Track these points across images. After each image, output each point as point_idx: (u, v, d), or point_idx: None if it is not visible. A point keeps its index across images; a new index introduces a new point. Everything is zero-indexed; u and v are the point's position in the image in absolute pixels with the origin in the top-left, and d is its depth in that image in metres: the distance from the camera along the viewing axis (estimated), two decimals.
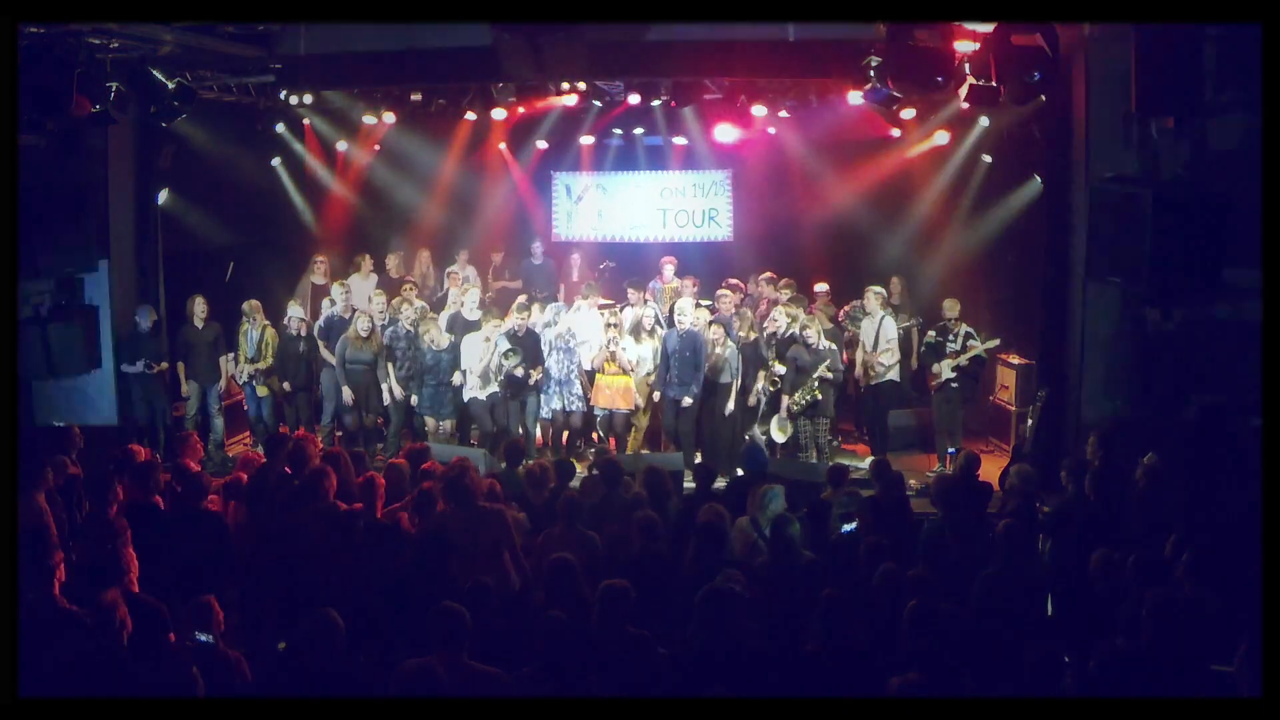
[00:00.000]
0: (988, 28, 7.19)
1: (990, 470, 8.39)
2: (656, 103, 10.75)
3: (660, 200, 13.95)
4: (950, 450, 10.24)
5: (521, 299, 11.26)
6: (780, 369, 10.20)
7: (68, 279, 9.71)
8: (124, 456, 7.68)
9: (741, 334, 10.50)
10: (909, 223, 12.84)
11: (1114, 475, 7.27)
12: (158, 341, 10.45)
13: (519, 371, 10.05)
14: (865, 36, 8.30)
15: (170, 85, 8.76)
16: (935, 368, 10.46)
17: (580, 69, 9.12)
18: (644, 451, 10.38)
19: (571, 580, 5.43)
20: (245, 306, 10.86)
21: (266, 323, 10.88)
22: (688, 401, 10.03)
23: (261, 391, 10.87)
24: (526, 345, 10.17)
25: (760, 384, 10.37)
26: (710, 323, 10.39)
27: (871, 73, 8.39)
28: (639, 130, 13.53)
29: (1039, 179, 10.14)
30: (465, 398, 10.23)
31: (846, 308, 11.60)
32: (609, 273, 13.11)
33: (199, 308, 10.72)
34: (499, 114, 11.29)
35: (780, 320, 10.45)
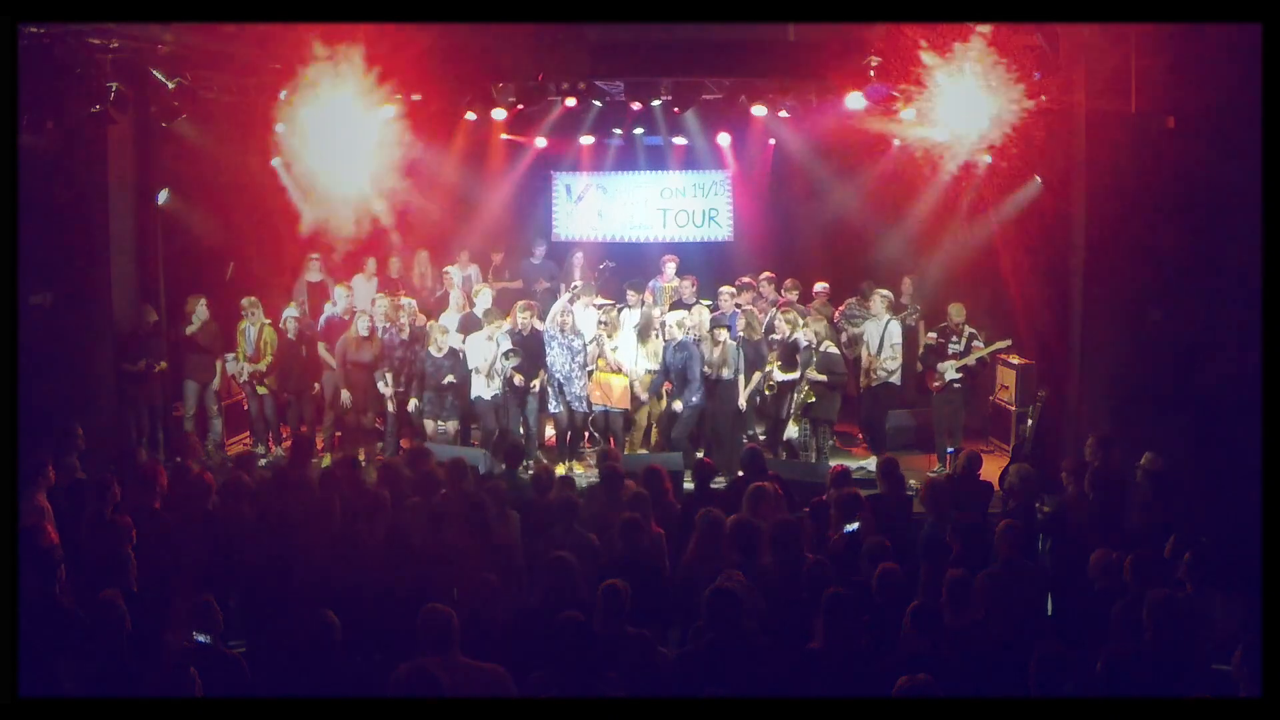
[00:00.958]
0: (987, 28, 7.21)
1: (990, 470, 8.39)
2: (657, 103, 10.76)
3: (660, 200, 13.95)
4: (949, 450, 10.25)
5: (523, 301, 11.27)
6: (779, 375, 10.20)
7: (68, 279, 9.72)
8: (123, 456, 7.69)
9: (742, 333, 10.50)
10: (909, 223, 12.82)
11: (1114, 475, 7.28)
12: (158, 341, 10.45)
13: (517, 379, 10.05)
14: (865, 36, 8.30)
15: (170, 85, 8.76)
16: (940, 367, 10.46)
17: (580, 69, 9.12)
18: (643, 451, 10.39)
19: (569, 579, 5.43)
20: (244, 303, 10.87)
21: (266, 321, 10.88)
22: (678, 406, 10.08)
23: (263, 390, 10.88)
24: (530, 346, 10.18)
25: (752, 385, 10.37)
26: (711, 321, 10.40)
27: (871, 73, 8.39)
28: (639, 130, 13.53)
29: (1039, 179, 10.14)
30: (472, 395, 10.23)
31: (842, 307, 11.60)
32: (609, 273, 13.10)
33: (199, 307, 10.72)
34: (499, 114, 11.29)
35: (783, 327, 10.47)
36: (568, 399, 10.30)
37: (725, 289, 11.13)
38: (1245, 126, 6.32)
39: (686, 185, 13.93)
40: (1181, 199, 8.43)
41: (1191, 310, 8.39)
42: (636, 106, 10.61)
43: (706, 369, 10.03)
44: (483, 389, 10.18)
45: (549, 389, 10.29)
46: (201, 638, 4.91)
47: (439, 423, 10.28)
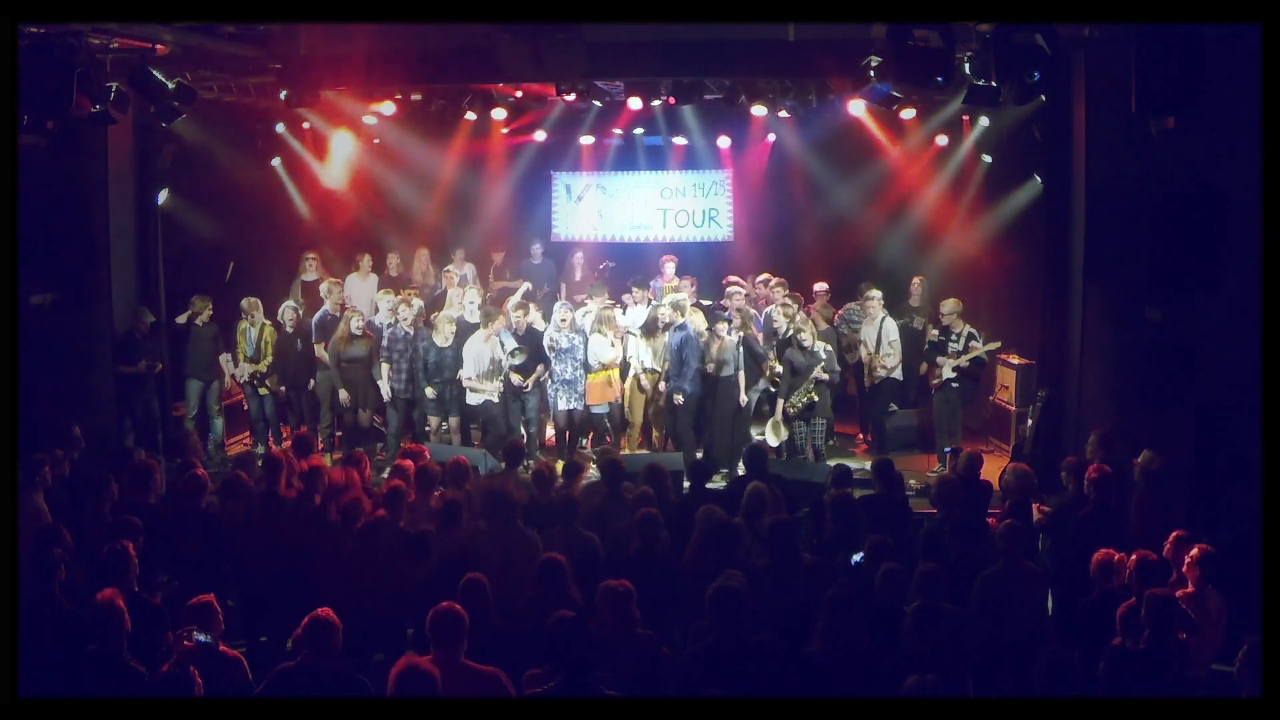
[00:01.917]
0: (987, 28, 7.20)
1: (990, 470, 8.39)
2: (657, 103, 10.76)
3: (660, 200, 13.96)
4: (947, 450, 10.26)
5: (516, 297, 11.28)
6: (779, 368, 10.20)
7: (68, 279, 9.72)
8: (123, 456, 7.69)
9: (740, 332, 10.50)
10: (909, 223, 12.84)
11: (1114, 475, 7.27)
12: (156, 342, 10.46)
13: (515, 379, 10.05)
14: (865, 36, 8.30)
15: (170, 85, 8.76)
16: (938, 364, 10.46)
17: (580, 69, 9.12)
18: (643, 451, 10.39)
19: (560, 580, 5.43)
20: (244, 304, 10.87)
21: (266, 321, 10.88)
22: (678, 399, 10.08)
23: (261, 391, 10.88)
24: (528, 344, 10.18)
25: (757, 384, 10.37)
26: (707, 318, 10.42)
27: (871, 73, 8.39)
28: (639, 130, 13.54)
29: (1039, 179, 10.14)
30: (471, 401, 10.21)
31: (841, 310, 11.60)
32: (609, 272, 13.11)
33: (199, 306, 10.72)
34: (499, 114, 11.30)
35: (780, 320, 10.46)
36: (570, 400, 10.29)
37: (734, 288, 11.11)
38: (1245, 126, 6.31)
39: (686, 185, 13.93)
40: (1181, 199, 8.41)
41: (1191, 310, 8.38)
42: (636, 106, 10.60)
43: (708, 365, 10.04)
44: (484, 393, 10.15)
45: (560, 390, 10.27)
46: (201, 638, 4.91)
47: (443, 421, 10.28)
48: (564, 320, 10.28)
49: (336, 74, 9.80)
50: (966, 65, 7.52)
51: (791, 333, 10.22)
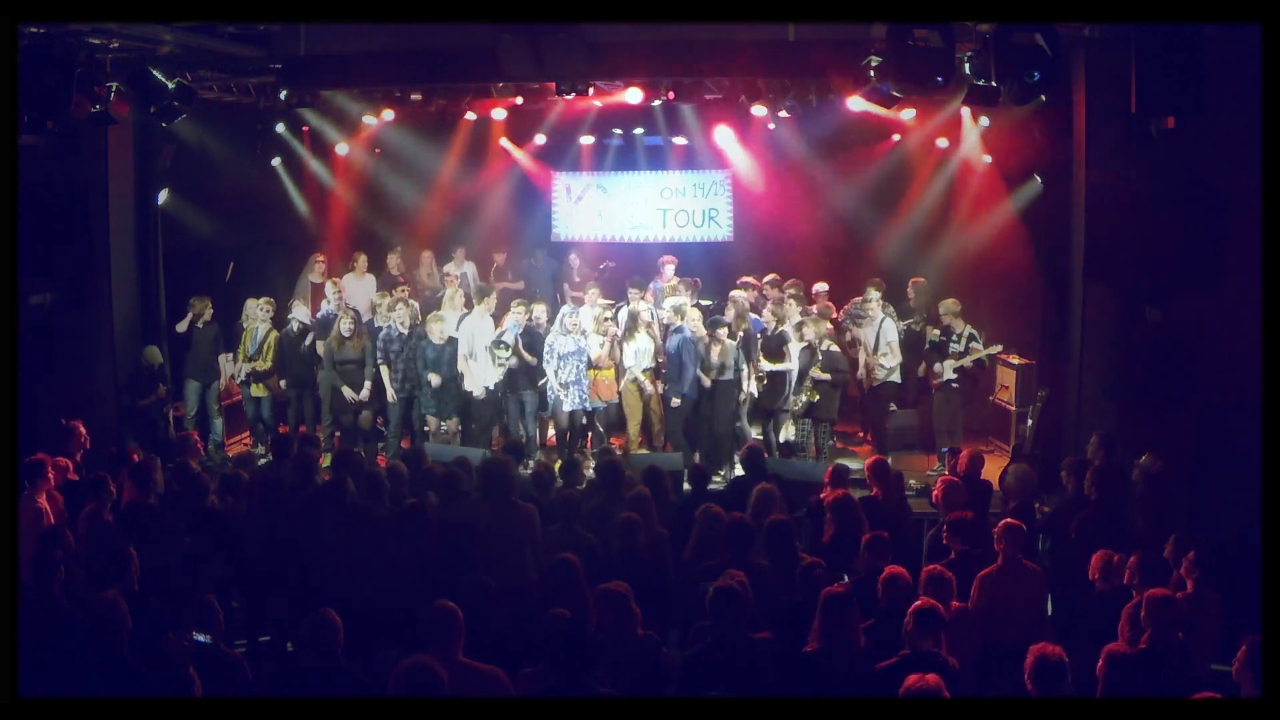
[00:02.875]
0: (987, 28, 7.20)
1: (990, 470, 8.39)
2: (657, 103, 10.75)
3: (660, 200, 13.94)
4: (945, 450, 10.26)
5: (518, 299, 11.28)
6: (768, 365, 10.19)
7: (68, 279, 9.72)
8: (123, 456, 7.69)
9: (740, 333, 10.51)
10: (909, 223, 12.84)
11: (1115, 475, 7.28)
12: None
13: (508, 361, 10.07)
14: (865, 36, 8.30)
15: (170, 85, 8.76)
16: (937, 367, 10.47)
17: (580, 69, 9.12)
18: (643, 451, 10.39)
19: (574, 580, 5.43)
20: (262, 303, 10.84)
21: (267, 322, 10.88)
22: (675, 402, 10.10)
23: (259, 392, 10.87)
24: (528, 344, 10.19)
25: (749, 384, 10.38)
26: (706, 321, 10.41)
27: (871, 73, 8.38)
28: (639, 130, 13.53)
29: (1039, 179, 10.13)
30: (466, 385, 10.21)
31: (847, 306, 11.60)
32: (609, 272, 13.11)
33: (205, 310, 10.72)
34: (499, 114, 11.29)
35: (769, 320, 10.48)
36: (573, 401, 10.29)
37: (737, 291, 11.11)
38: (1245, 126, 6.31)
39: (686, 185, 13.92)
40: (1181, 199, 8.42)
41: (1191, 310, 8.38)
42: (637, 99, 10.58)
43: (709, 372, 10.04)
44: (480, 381, 10.17)
45: (563, 392, 10.27)
46: (201, 638, 4.91)
47: (442, 421, 10.29)
48: (573, 324, 10.27)
49: (336, 74, 9.81)
50: (966, 65, 7.52)
51: (783, 331, 10.21)
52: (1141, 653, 4.85)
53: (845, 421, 11.66)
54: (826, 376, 10.00)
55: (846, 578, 6.05)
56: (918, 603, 4.95)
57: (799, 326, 10.25)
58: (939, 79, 7.08)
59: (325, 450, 10.66)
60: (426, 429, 10.47)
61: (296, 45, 9.61)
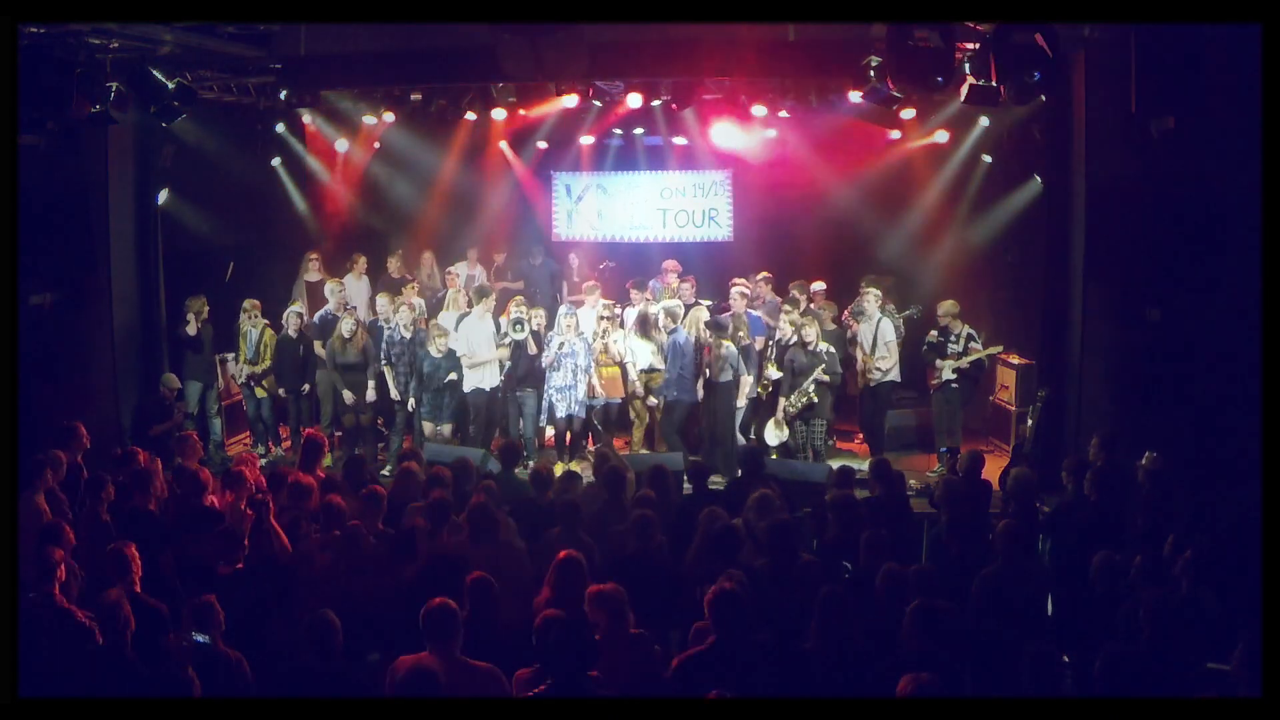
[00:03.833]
0: (987, 28, 7.21)
1: (990, 470, 8.39)
2: (657, 103, 10.75)
3: (660, 200, 13.93)
4: (944, 449, 10.26)
5: (519, 297, 11.28)
6: (775, 373, 10.22)
7: (68, 279, 9.72)
8: (123, 456, 7.69)
9: (741, 334, 10.50)
10: (909, 222, 12.83)
11: (1115, 475, 7.28)
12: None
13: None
14: (865, 36, 8.30)
15: (170, 85, 8.76)
16: (939, 362, 10.46)
17: (580, 69, 9.12)
18: (644, 451, 10.39)
19: (579, 579, 5.43)
20: (246, 304, 10.87)
21: (265, 322, 10.88)
22: (653, 401, 10.22)
23: (260, 392, 10.88)
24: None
25: (748, 387, 10.38)
26: (706, 323, 10.41)
27: (871, 73, 8.38)
28: (639, 130, 13.52)
29: (1039, 179, 10.14)
30: (466, 386, 10.22)
31: (850, 307, 11.58)
32: (609, 272, 13.10)
33: (202, 309, 10.73)
34: (499, 114, 11.29)
35: (785, 329, 10.47)
36: (570, 405, 10.28)
37: (737, 289, 11.11)
38: (1245, 126, 6.32)
39: (686, 185, 13.91)
40: (1181, 199, 8.42)
41: (1191, 310, 8.38)
42: (636, 106, 10.59)
43: (704, 372, 10.04)
44: (480, 379, 10.16)
45: (556, 396, 10.26)
46: (200, 638, 4.90)
47: (437, 425, 10.28)
48: (567, 325, 10.27)
49: (336, 74, 9.81)
50: (966, 65, 7.52)
51: (795, 339, 10.23)
52: (1141, 653, 4.85)
53: (846, 421, 11.67)
54: (826, 378, 10.01)
55: (849, 566, 6.05)
56: (917, 602, 4.95)
57: (800, 328, 10.24)
58: (939, 79, 7.09)
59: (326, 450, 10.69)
60: (425, 433, 10.45)
61: (296, 45, 9.61)
